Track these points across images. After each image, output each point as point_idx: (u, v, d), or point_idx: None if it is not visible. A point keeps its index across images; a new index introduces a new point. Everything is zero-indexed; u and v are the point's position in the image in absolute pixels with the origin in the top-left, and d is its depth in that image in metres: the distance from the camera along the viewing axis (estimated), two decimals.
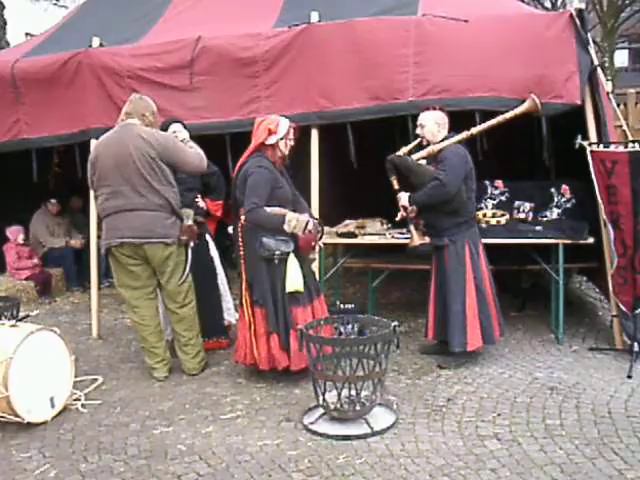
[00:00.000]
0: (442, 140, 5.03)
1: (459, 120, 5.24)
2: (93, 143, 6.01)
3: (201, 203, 5.45)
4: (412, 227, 5.12)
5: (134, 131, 4.84)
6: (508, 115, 5.19)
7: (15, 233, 7.89)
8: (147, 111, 4.94)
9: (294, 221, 4.64)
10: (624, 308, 5.22)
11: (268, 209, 4.65)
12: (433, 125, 5.04)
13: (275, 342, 4.73)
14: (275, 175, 4.78)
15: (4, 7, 11.26)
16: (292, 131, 4.88)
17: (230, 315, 5.69)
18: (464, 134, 5.06)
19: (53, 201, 8.33)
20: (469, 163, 5.02)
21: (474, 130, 5.15)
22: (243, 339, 4.88)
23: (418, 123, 5.10)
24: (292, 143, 4.91)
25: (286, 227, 4.62)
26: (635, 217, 4.92)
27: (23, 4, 21.66)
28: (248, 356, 4.84)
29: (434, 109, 5.10)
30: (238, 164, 4.88)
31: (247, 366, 4.96)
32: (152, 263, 4.94)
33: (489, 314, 5.09)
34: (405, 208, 5.07)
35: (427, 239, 5.07)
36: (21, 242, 7.90)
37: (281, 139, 4.79)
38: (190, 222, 5.08)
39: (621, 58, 27.86)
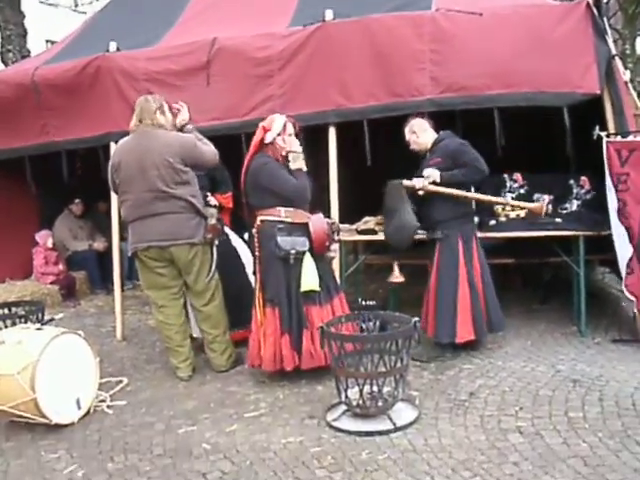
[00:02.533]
0: (434, 144, 5.19)
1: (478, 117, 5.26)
2: (113, 147, 6.12)
3: (212, 200, 5.46)
4: (396, 265, 5.36)
5: (155, 137, 4.88)
6: (513, 203, 5.29)
7: (44, 237, 7.99)
8: (155, 113, 4.93)
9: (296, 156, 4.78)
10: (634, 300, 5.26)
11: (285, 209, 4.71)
12: (410, 136, 5.27)
13: (286, 341, 4.74)
14: (285, 169, 4.80)
15: (24, 17, 11.40)
16: (290, 126, 4.88)
17: None
18: (460, 193, 5.08)
19: (77, 201, 8.43)
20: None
21: (469, 195, 5.17)
22: (255, 340, 4.88)
23: None
24: (294, 139, 4.88)
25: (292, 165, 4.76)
26: None
27: (43, 11, 21.81)
28: (258, 358, 4.86)
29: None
30: (243, 169, 4.89)
31: (257, 368, 4.94)
32: (178, 264, 4.99)
33: (481, 308, 5.10)
34: (425, 185, 5.07)
35: (402, 279, 5.35)
36: (50, 246, 7.99)
37: (278, 135, 4.81)
38: (214, 221, 5.16)
39: None
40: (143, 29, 6.73)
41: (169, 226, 4.87)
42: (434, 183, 5.05)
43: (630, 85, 5.67)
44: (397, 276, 5.38)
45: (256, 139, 4.84)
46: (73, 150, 6.74)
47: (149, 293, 5.16)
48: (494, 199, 5.36)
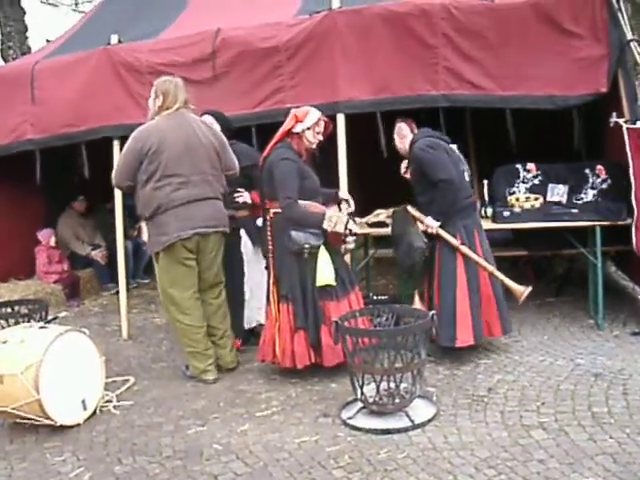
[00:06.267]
0: (410, 147, 5.01)
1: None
2: (116, 144, 5.98)
3: (240, 198, 5.28)
4: (417, 294, 5.13)
5: (195, 119, 4.80)
6: (501, 277, 4.97)
7: (47, 236, 7.77)
8: (185, 95, 4.83)
9: (335, 218, 4.51)
10: None
11: (302, 203, 4.54)
12: (396, 141, 5.15)
13: (301, 339, 4.61)
14: (300, 165, 4.66)
15: (24, 13, 11.36)
16: (322, 124, 4.75)
17: (260, 315, 5.41)
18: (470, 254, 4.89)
19: (81, 198, 8.26)
20: (443, 147, 4.94)
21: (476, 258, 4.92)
22: (268, 336, 4.76)
23: None
24: (320, 137, 4.77)
25: (326, 225, 4.50)
26: None
27: (44, 11, 21.64)
28: (271, 354, 4.74)
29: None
30: (263, 156, 4.77)
31: (270, 364, 4.84)
32: (210, 254, 4.82)
33: (480, 312, 4.88)
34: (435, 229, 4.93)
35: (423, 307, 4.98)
36: (53, 245, 7.81)
37: (308, 129, 4.67)
38: None
39: None
40: (145, 22, 6.64)
41: (213, 212, 4.78)
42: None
43: None
44: (417, 305, 5.07)
45: (285, 127, 4.69)
46: (76, 147, 6.60)
47: (174, 294, 4.79)
48: (489, 268, 4.95)
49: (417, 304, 5.01)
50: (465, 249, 4.86)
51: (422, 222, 4.94)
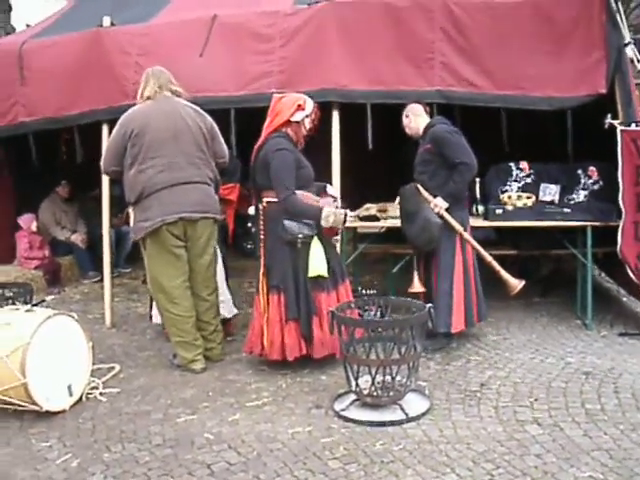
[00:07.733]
0: (426, 129, 5.02)
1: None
2: (105, 127, 5.85)
3: None
4: (416, 273, 5.11)
5: (182, 104, 4.71)
6: (497, 268, 5.03)
7: (28, 221, 7.62)
8: (172, 82, 4.74)
9: (332, 217, 4.47)
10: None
11: (297, 192, 4.48)
12: (404, 120, 5.15)
13: (292, 330, 4.55)
14: (297, 155, 4.62)
15: None
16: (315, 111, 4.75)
17: (223, 309, 5.29)
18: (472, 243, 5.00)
19: (63, 182, 8.11)
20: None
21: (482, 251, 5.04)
22: (257, 328, 4.70)
23: None
24: (311, 124, 4.74)
25: (323, 222, 4.46)
26: None
27: None
28: (259, 346, 4.68)
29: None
30: (257, 146, 4.68)
31: (258, 356, 4.77)
32: (199, 241, 4.70)
33: (471, 297, 5.01)
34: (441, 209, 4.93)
35: (423, 289, 5.04)
36: (34, 230, 7.66)
37: (307, 116, 4.64)
38: None
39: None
40: (137, 5, 6.49)
41: (201, 197, 4.65)
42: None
43: None
44: (418, 286, 5.09)
45: (284, 116, 4.61)
46: (58, 131, 6.46)
47: (163, 282, 4.68)
48: (487, 258, 5.04)
49: (417, 285, 5.06)
50: (467, 235, 4.94)
51: (429, 202, 4.92)
